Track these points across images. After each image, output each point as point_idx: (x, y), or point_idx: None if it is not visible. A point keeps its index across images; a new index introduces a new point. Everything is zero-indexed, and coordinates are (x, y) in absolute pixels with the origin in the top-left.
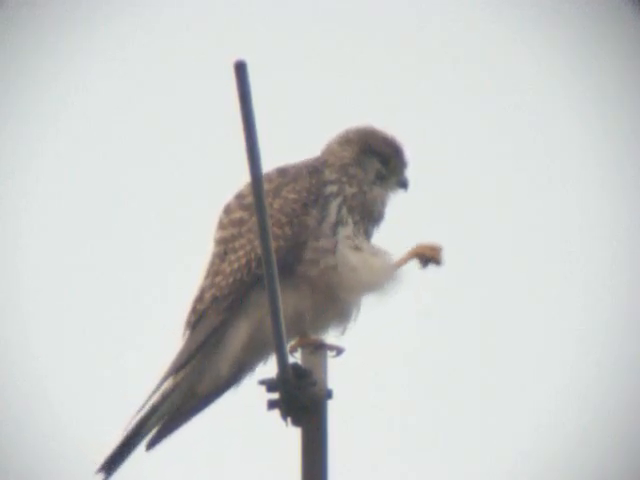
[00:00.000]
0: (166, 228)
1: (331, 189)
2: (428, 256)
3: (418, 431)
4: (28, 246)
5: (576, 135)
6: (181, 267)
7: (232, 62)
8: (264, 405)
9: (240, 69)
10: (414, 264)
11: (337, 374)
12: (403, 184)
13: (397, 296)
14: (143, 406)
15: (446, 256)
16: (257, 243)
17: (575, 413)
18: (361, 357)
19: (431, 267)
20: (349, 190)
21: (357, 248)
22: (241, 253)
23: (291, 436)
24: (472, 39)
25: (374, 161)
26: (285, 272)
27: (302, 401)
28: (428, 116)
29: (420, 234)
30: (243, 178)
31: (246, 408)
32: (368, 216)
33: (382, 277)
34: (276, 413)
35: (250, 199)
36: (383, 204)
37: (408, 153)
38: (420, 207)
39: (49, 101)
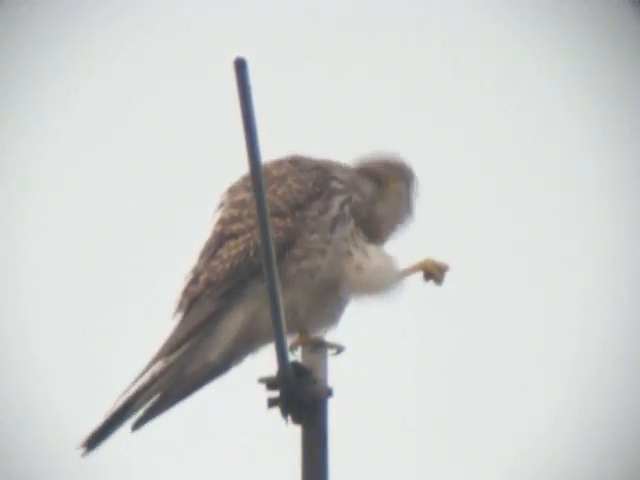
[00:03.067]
0: (165, 228)
1: (337, 185)
2: (432, 273)
3: (418, 430)
4: (28, 246)
5: (576, 135)
6: (179, 267)
7: (232, 59)
8: (264, 403)
9: (240, 66)
10: (418, 277)
11: (337, 372)
12: (399, 196)
13: (401, 298)
14: (131, 385)
15: (448, 278)
16: (257, 232)
17: (575, 413)
18: (361, 355)
19: (431, 283)
20: (356, 197)
21: (349, 253)
22: (240, 239)
23: (291, 434)
24: (472, 39)
25: (369, 182)
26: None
27: (302, 399)
28: (428, 116)
29: (420, 233)
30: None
31: (246, 406)
32: (369, 230)
33: (384, 278)
34: (276, 411)
35: None
36: (389, 225)
37: (408, 171)
38: (419, 205)
39: (49, 101)
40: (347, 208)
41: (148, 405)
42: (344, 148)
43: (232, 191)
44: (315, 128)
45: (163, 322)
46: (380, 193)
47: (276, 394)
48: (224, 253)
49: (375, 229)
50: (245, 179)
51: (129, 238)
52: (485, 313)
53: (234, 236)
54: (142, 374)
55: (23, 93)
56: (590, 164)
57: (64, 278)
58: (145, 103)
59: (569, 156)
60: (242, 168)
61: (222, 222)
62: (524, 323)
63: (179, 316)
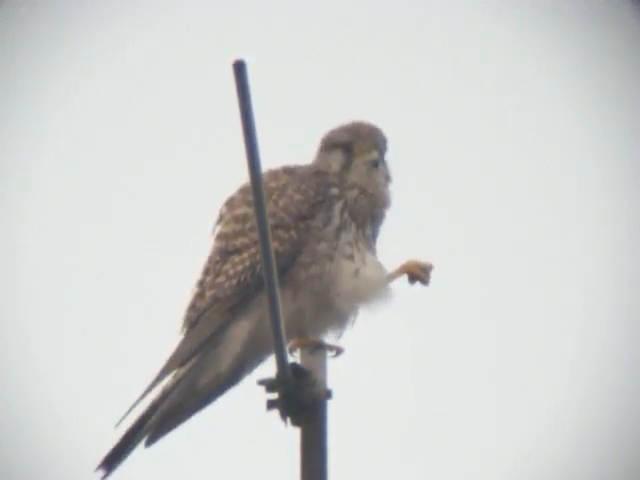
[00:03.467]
0: (165, 227)
1: (335, 191)
2: (416, 274)
3: (418, 431)
4: (28, 246)
5: (576, 135)
6: (179, 267)
7: (231, 61)
8: (263, 405)
9: (239, 68)
10: (403, 280)
11: (337, 374)
12: (371, 164)
13: (387, 311)
14: (139, 400)
15: (434, 276)
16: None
17: (575, 413)
18: (361, 357)
19: (417, 285)
20: (350, 194)
21: (351, 257)
22: (245, 255)
23: (290, 436)
24: (472, 39)
25: (336, 153)
26: (286, 273)
27: (301, 401)
28: (428, 116)
29: (422, 231)
30: (243, 178)
31: (245, 408)
32: (373, 209)
33: (373, 290)
34: (275, 413)
35: None
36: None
37: (376, 134)
38: (420, 205)
39: (49, 101)
40: (346, 215)
41: (161, 420)
42: None
43: (231, 204)
44: (315, 128)
45: (162, 321)
46: (350, 163)
47: (275, 396)
48: (230, 269)
49: (379, 210)
50: (244, 192)
51: (128, 237)
52: (485, 314)
53: (238, 251)
54: (150, 388)
55: (23, 93)
56: (590, 164)
57: (64, 278)
58: (145, 103)
59: (569, 156)
60: (242, 169)
61: (224, 237)
62: (524, 323)
63: (185, 331)
